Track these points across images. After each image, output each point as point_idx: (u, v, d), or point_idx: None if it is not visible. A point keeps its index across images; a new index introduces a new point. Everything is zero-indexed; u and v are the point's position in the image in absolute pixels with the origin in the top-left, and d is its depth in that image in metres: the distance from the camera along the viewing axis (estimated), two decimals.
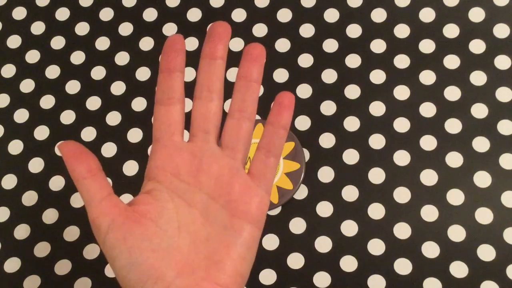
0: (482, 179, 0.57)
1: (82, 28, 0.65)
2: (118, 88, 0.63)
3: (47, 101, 0.63)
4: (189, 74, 0.62)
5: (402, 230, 0.56)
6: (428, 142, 0.58)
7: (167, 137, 0.37)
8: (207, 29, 0.39)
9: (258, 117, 0.60)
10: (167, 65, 0.37)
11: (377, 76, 0.60)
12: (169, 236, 0.35)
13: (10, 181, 0.61)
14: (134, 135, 0.61)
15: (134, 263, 0.34)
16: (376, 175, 0.58)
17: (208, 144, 0.37)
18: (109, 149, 0.61)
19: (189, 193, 0.36)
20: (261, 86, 0.61)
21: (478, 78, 0.59)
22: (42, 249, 0.58)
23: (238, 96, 0.38)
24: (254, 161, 0.38)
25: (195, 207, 0.36)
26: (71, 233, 0.59)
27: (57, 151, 0.61)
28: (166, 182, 0.37)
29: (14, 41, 0.65)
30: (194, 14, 0.64)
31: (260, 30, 0.63)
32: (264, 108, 0.60)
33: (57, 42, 0.65)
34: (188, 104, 0.60)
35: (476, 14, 0.61)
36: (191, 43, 0.63)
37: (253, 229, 0.36)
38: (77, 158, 0.35)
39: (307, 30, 0.63)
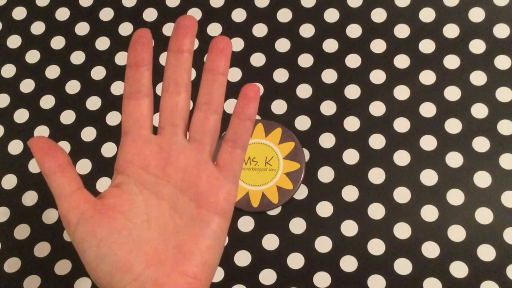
0: (482, 179, 0.57)
1: (82, 28, 0.65)
2: (117, 88, 0.63)
3: (47, 101, 0.63)
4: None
5: (402, 230, 0.56)
6: (428, 142, 0.58)
7: (136, 130, 0.38)
8: (175, 23, 0.39)
9: (258, 117, 0.60)
10: (135, 59, 0.38)
11: (377, 76, 0.60)
12: (138, 229, 0.36)
13: (10, 181, 0.61)
14: None
15: (103, 256, 0.34)
16: (376, 175, 0.58)
17: (176, 137, 0.38)
18: (109, 149, 0.61)
19: (158, 185, 0.37)
20: (261, 86, 0.61)
21: (478, 78, 0.59)
22: (42, 249, 0.58)
23: (205, 89, 0.38)
24: (220, 153, 0.38)
25: (163, 199, 0.37)
26: None
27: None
28: (135, 175, 0.37)
29: (14, 41, 0.65)
30: (194, 14, 0.64)
31: (260, 30, 0.63)
32: (264, 108, 0.60)
33: (57, 42, 0.65)
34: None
35: (476, 14, 0.61)
36: None
37: (221, 220, 0.37)
38: (47, 153, 0.36)
39: (307, 30, 0.63)
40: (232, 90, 0.61)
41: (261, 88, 0.61)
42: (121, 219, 0.35)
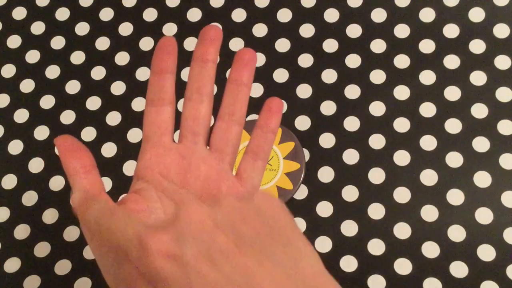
0: (482, 179, 0.57)
1: (82, 28, 0.65)
2: (118, 88, 0.63)
3: (47, 101, 0.63)
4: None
5: (402, 230, 0.56)
6: (428, 142, 0.58)
7: (157, 137, 0.38)
8: (200, 32, 0.39)
9: (258, 117, 0.60)
10: (159, 67, 0.38)
11: (377, 76, 0.60)
12: None
13: (10, 181, 0.61)
14: (134, 135, 0.61)
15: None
16: (376, 175, 0.58)
17: (197, 145, 0.38)
18: (109, 149, 0.61)
19: (177, 193, 0.37)
20: (261, 86, 0.61)
21: (478, 78, 0.59)
22: (42, 249, 0.58)
23: (228, 100, 0.38)
24: (241, 164, 0.38)
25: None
26: (71, 233, 0.59)
27: (56, 150, 0.61)
28: (154, 182, 0.37)
29: (14, 41, 0.65)
30: (194, 14, 0.64)
31: (260, 30, 0.63)
32: None
33: (57, 42, 0.65)
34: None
35: (476, 14, 0.61)
36: (191, 43, 0.63)
37: None
38: (73, 153, 0.35)
39: (307, 30, 0.63)
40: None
41: (261, 88, 0.61)
42: None
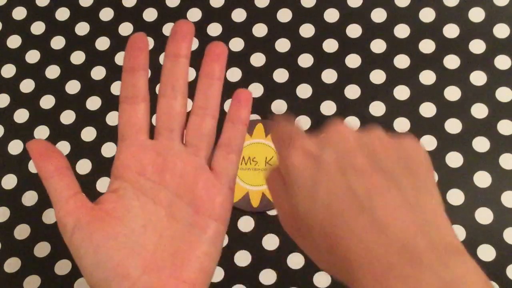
0: (482, 179, 0.57)
1: (82, 28, 0.65)
2: (118, 88, 0.63)
3: (47, 101, 0.63)
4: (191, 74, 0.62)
5: None
6: (428, 142, 0.58)
7: (132, 136, 0.38)
8: (171, 28, 0.39)
9: (258, 117, 0.60)
10: (131, 64, 0.38)
11: (377, 76, 0.60)
12: (135, 234, 0.35)
13: (10, 181, 0.61)
14: None
15: (100, 262, 0.34)
16: None
17: (172, 142, 0.38)
18: (109, 149, 0.61)
19: (154, 191, 0.37)
20: (261, 86, 0.61)
21: (478, 78, 0.59)
22: (42, 249, 0.58)
23: (200, 94, 0.38)
24: (215, 158, 0.38)
25: (160, 205, 0.37)
26: None
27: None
28: (131, 180, 0.37)
29: (14, 41, 0.65)
30: (194, 14, 0.64)
31: (260, 30, 0.63)
32: (264, 108, 0.60)
33: (57, 42, 0.65)
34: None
35: (476, 14, 0.61)
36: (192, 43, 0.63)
37: (218, 226, 0.36)
38: (45, 156, 0.36)
39: (307, 30, 0.63)
40: (233, 91, 0.61)
41: (261, 88, 0.61)
42: (118, 225, 0.35)
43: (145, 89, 0.38)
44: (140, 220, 0.36)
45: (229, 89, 0.61)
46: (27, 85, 0.63)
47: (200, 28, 0.64)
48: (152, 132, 0.38)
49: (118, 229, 0.35)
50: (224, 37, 0.63)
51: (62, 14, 0.66)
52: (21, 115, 0.62)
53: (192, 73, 0.62)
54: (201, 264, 0.35)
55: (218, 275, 0.56)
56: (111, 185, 0.37)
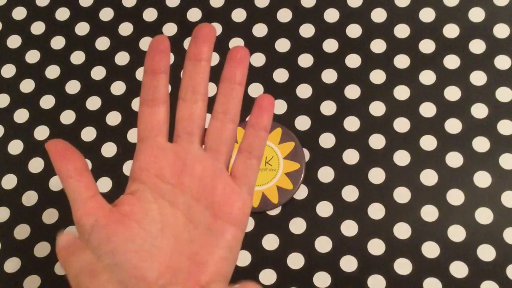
0: (482, 179, 0.57)
1: (82, 28, 0.65)
2: (118, 88, 0.63)
3: (47, 101, 0.63)
4: None
5: (402, 230, 0.56)
6: (428, 142, 0.58)
7: (152, 138, 0.38)
8: (193, 31, 0.39)
9: None
10: (152, 66, 0.38)
11: (377, 76, 0.60)
12: (153, 237, 0.35)
13: (10, 181, 0.61)
14: (134, 135, 0.61)
15: (117, 264, 0.34)
16: (376, 175, 0.58)
17: (192, 145, 0.38)
18: (109, 149, 0.61)
19: (173, 194, 0.37)
20: (261, 86, 0.61)
21: (478, 78, 0.59)
22: (42, 249, 0.58)
23: (221, 99, 0.38)
24: (236, 163, 0.38)
25: (178, 208, 0.36)
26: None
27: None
28: (150, 183, 0.37)
29: (14, 41, 0.65)
30: (194, 14, 0.64)
31: (260, 30, 0.63)
32: None
33: (57, 42, 0.65)
34: None
35: (476, 14, 0.61)
36: None
37: (236, 231, 0.36)
38: (64, 157, 0.35)
39: (307, 30, 0.63)
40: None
41: (261, 88, 0.61)
42: (136, 227, 0.35)
43: (166, 92, 0.38)
44: (157, 223, 0.36)
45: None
46: (27, 85, 0.63)
47: None
48: (171, 135, 0.38)
49: (136, 232, 0.35)
50: (224, 37, 0.63)
51: (62, 14, 0.66)
52: (21, 115, 0.63)
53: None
54: (218, 268, 0.35)
55: None
56: (129, 187, 0.37)
